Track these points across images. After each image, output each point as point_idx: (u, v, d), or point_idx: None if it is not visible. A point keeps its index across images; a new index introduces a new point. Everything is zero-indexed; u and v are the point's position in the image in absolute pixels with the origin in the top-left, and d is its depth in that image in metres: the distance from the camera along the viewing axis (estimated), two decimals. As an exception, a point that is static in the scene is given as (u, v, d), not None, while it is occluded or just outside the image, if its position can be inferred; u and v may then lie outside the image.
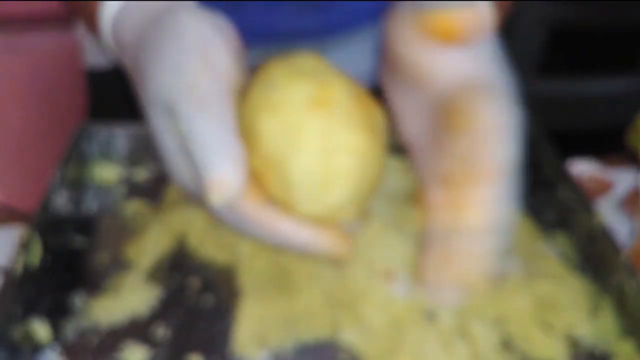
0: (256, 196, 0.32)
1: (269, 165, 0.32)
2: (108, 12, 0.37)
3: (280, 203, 0.32)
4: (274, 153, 0.31)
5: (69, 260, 0.45)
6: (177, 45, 0.32)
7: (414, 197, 0.45)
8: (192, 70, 0.31)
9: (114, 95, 0.66)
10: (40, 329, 0.40)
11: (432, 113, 0.34)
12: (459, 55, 0.33)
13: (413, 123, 0.35)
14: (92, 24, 0.40)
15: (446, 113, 0.33)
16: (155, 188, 0.51)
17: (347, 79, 0.34)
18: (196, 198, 0.33)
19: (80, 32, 0.67)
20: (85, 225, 0.48)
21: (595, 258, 0.44)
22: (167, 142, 0.32)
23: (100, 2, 0.38)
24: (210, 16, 0.34)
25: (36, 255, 0.41)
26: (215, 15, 0.35)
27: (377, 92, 0.36)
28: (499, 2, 0.43)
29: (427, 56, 0.33)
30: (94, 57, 0.67)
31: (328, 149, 0.31)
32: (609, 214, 0.53)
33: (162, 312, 0.42)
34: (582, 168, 0.57)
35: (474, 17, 0.32)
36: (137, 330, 0.41)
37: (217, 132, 0.30)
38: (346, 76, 0.34)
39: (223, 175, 0.29)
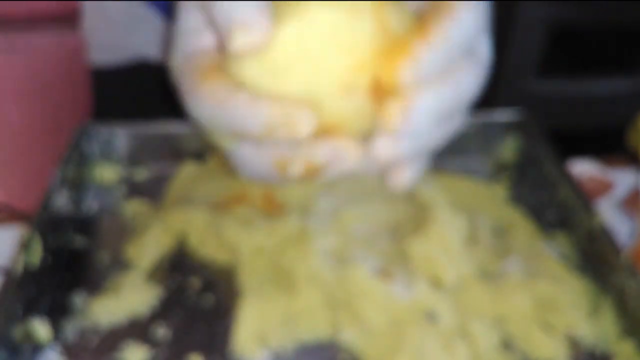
0: (220, 75, 0.31)
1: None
2: None
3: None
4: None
5: (69, 260, 0.45)
6: None
7: None
8: None
9: (118, 94, 0.66)
10: (41, 329, 0.40)
11: None
12: None
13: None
14: None
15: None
16: (155, 188, 0.51)
17: None
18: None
19: (83, 31, 0.67)
20: (85, 225, 0.48)
21: (595, 258, 0.44)
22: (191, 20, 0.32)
23: None
24: None
25: (36, 255, 0.41)
26: None
27: None
28: None
29: None
30: (98, 57, 0.67)
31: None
32: (609, 214, 0.53)
33: (162, 312, 0.42)
34: (583, 168, 0.57)
35: None
36: (137, 330, 0.41)
37: None
38: None
39: (249, 18, 0.28)
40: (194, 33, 0.32)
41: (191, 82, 0.31)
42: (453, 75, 0.32)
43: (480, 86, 0.34)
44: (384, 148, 0.30)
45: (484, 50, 0.35)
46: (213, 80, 0.30)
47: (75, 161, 0.49)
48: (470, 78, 0.33)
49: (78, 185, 0.49)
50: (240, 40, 0.28)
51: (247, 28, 0.28)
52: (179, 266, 0.45)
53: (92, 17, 0.65)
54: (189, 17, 0.33)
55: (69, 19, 0.95)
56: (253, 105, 0.29)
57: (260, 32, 0.28)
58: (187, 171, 0.51)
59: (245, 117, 0.30)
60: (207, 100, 0.30)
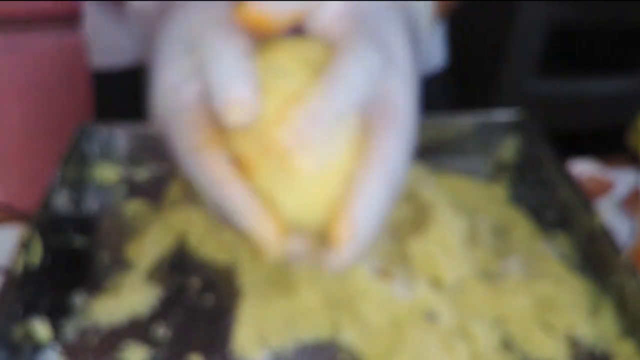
0: (221, 151, 0.31)
1: (260, 154, 0.31)
2: None
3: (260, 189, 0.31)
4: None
5: (69, 260, 0.45)
6: None
7: None
8: (219, 8, 0.32)
9: (119, 97, 0.66)
10: (41, 329, 0.40)
11: None
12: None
13: None
14: None
15: None
16: (155, 188, 0.51)
17: None
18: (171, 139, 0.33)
19: (85, 33, 0.67)
20: (85, 225, 0.48)
21: (595, 258, 0.44)
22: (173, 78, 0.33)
23: None
24: None
25: (36, 255, 0.41)
26: None
27: None
28: None
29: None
30: (100, 59, 0.67)
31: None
32: (609, 214, 0.53)
33: (162, 312, 0.42)
34: (583, 168, 0.57)
35: (265, 9, 0.31)
36: (137, 330, 0.41)
37: (238, 59, 0.30)
38: None
39: (242, 95, 0.30)
40: (177, 88, 0.33)
41: (184, 149, 0.32)
42: (379, 154, 0.31)
43: (408, 150, 0.32)
44: (338, 262, 0.31)
45: (400, 99, 0.32)
46: (207, 155, 0.31)
47: (75, 161, 0.49)
48: (396, 148, 0.32)
49: (78, 185, 0.49)
50: (235, 117, 0.30)
51: (242, 106, 0.30)
52: (179, 266, 0.45)
53: (94, 20, 0.65)
54: (172, 73, 0.33)
55: (70, 20, 0.96)
56: (235, 204, 0.31)
57: (252, 110, 0.30)
58: (187, 171, 0.51)
59: (227, 207, 0.31)
60: (198, 175, 0.32)
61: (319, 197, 0.31)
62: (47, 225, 0.43)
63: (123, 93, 0.66)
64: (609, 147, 0.62)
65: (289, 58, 0.32)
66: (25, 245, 0.40)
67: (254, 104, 0.30)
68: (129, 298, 0.43)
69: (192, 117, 0.32)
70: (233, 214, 0.31)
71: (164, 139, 0.34)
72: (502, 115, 0.54)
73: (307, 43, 0.33)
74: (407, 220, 0.46)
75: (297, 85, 0.31)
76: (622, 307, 0.41)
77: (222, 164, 0.31)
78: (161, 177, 0.52)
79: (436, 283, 0.43)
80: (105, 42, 0.66)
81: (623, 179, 0.56)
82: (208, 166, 0.31)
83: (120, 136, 0.52)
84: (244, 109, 0.30)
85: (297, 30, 0.34)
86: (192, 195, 0.49)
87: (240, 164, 0.31)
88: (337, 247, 0.30)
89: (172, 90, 0.33)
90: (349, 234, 0.30)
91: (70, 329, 0.41)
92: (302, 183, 0.31)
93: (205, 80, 0.31)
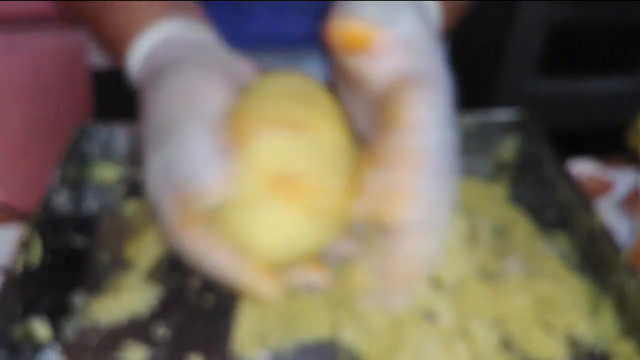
0: (198, 224, 0.32)
1: (225, 220, 0.32)
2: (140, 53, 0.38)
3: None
4: (230, 217, 0.32)
5: (69, 260, 0.45)
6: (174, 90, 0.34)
7: None
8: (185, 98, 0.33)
9: (120, 97, 0.66)
10: (41, 329, 0.40)
11: (373, 111, 0.34)
12: (391, 56, 0.32)
13: (360, 121, 0.35)
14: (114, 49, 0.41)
15: (380, 108, 0.33)
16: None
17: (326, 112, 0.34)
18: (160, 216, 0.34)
19: (85, 33, 0.67)
20: (85, 225, 0.48)
21: (595, 258, 0.44)
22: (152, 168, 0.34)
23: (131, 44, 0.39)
24: (214, 65, 0.35)
25: (36, 255, 0.41)
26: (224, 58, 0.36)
27: None
28: (451, 3, 0.43)
29: (358, 61, 0.33)
30: (101, 59, 0.67)
31: (286, 233, 0.31)
32: (609, 214, 0.53)
33: (162, 312, 0.42)
34: (583, 168, 0.57)
35: (362, 24, 0.32)
36: (137, 330, 0.41)
37: (205, 145, 0.31)
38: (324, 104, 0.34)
39: (210, 181, 0.30)
40: (158, 176, 0.34)
41: (169, 230, 0.33)
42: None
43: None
44: (395, 307, 0.32)
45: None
46: (188, 232, 0.32)
47: (75, 161, 0.49)
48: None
49: (78, 186, 0.49)
50: (202, 203, 0.30)
51: (208, 192, 0.30)
52: (179, 266, 0.45)
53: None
54: (153, 162, 0.35)
55: (70, 20, 0.95)
56: (225, 273, 0.32)
57: (221, 190, 0.30)
58: (187, 171, 0.51)
59: (221, 274, 0.32)
60: (186, 251, 0.33)
61: (303, 238, 0.32)
62: (47, 225, 0.43)
63: (123, 93, 0.66)
64: (609, 147, 0.62)
65: (282, 87, 0.34)
66: (25, 245, 0.40)
67: (221, 188, 0.30)
68: (129, 298, 0.43)
69: (172, 201, 0.32)
70: (228, 280, 0.32)
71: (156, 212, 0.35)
72: (502, 115, 0.54)
73: (295, 76, 0.35)
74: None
75: (293, 112, 0.32)
76: (622, 307, 0.41)
77: (204, 238, 0.32)
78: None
79: (436, 283, 0.43)
80: None
81: (623, 179, 0.56)
82: (192, 242, 0.32)
83: (120, 136, 0.52)
84: (213, 195, 0.30)
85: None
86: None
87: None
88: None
89: (154, 178, 0.34)
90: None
91: (70, 329, 0.41)
92: (288, 226, 0.32)
93: (174, 169, 0.32)
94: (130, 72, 0.39)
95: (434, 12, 0.39)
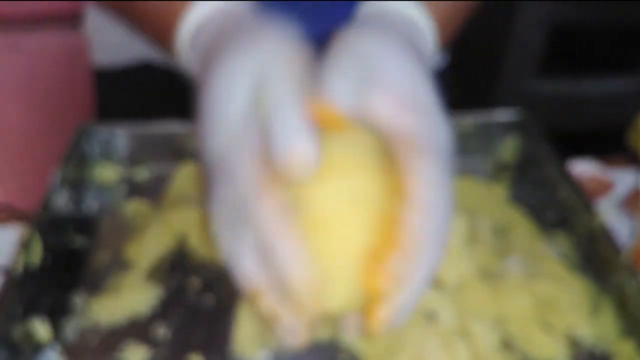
0: (278, 188, 0.31)
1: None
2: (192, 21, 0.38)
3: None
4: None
5: (69, 260, 0.45)
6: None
7: None
8: (285, 59, 0.33)
9: (121, 96, 0.66)
10: (41, 329, 0.40)
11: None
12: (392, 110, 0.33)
13: None
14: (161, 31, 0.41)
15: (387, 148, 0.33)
16: (155, 188, 0.51)
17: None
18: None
19: (87, 31, 0.66)
20: (85, 225, 0.48)
21: (595, 258, 0.44)
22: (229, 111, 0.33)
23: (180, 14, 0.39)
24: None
25: (36, 255, 0.41)
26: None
27: None
28: (447, 14, 0.44)
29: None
30: (102, 58, 0.67)
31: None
32: (609, 214, 0.53)
33: (162, 312, 0.42)
34: (583, 168, 0.57)
35: (334, 109, 0.33)
36: (137, 330, 0.41)
37: (299, 116, 0.31)
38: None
39: (304, 148, 0.30)
40: (239, 121, 0.33)
41: (245, 188, 0.31)
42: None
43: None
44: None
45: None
46: (271, 193, 0.31)
47: (75, 161, 0.49)
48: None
49: (78, 185, 0.49)
50: (296, 170, 0.30)
51: (303, 161, 0.30)
52: (178, 266, 0.45)
53: (96, 18, 0.65)
54: (234, 104, 0.33)
55: (72, 19, 0.96)
56: (286, 266, 0.31)
57: (313, 162, 0.30)
58: (187, 171, 0.51)
59: (276, 264, 0.31)
60: (254, 218, 0.31)
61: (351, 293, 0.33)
62: (47, 225, 0.43)
63: (124, 92, 0.66)
64: (609, 147, 0.62)
65: (344, 156, 0.33)
66: (25, 245, 0.40)
67: (314, 158, 0.30)
68: (129, 298, 0.43)
69: (251, 156, 0.32)
70: (281, 274, 0.31)
71: (210, 167, 0.34)
72: (502, 115, 0.54)
73: (359, 137, 0.34)
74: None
75: (355, 188, 0.32)
76: (622, 307, 0.41)
77: (281, 210, 0.31)
78: (161, 177, 0.52)
79: (436, 283, 0.43)
80: (107, 40, 0.66)
81: (623, 179, 0.56)
82: (266, 209, 0.31)
83: (120, 136, 0.52)
84: (305, 163, 0.30)
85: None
86: (192, 192, 0.50)
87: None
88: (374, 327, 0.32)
89: (225, 130, 0.33)
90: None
91: (70, 329, 0.41)
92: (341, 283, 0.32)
93: (266, 129, 0.31)
94: (180, 53, 0.39)
95: (428, 31, 0.39)
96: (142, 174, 0.52)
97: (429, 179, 0.32)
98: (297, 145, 0.30)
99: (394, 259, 0.31)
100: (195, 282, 0.44)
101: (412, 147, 0.32)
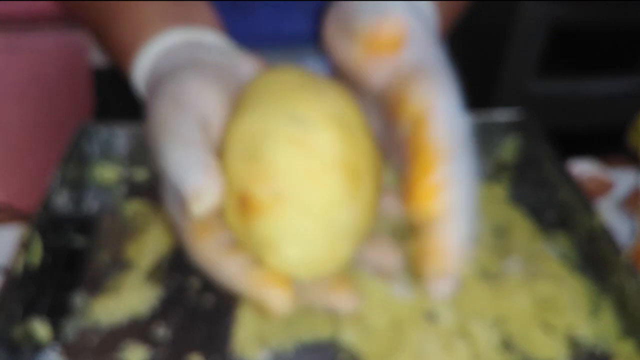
0: (209, 233, 0.32)
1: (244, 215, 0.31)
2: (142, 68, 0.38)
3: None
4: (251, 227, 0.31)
5: (69, 260, 0.45)
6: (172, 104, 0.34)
7: None
8: (167, 111, 0.33)
9: (121, 96, 0.66)
10: (41, 329, 0.40)
11: (377, 108, 0.34)
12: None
13: (372, 124, 0.35)
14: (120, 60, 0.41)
15: (387, 105, 0.33)
16: (155, 188, 0.51)
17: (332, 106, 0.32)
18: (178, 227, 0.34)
19: (87, 32, 0.67)
20: (85, 225, 0.48)
21: (595, 258, 0.44)
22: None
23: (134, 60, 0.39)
24: (213, 70, 0.35)
25: (36, 255, 0.41)
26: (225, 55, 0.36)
27: None
28: (445, 2, 0.43)
29: (362, 61, 0.33)
30: (101, 57, 0.67)
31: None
32: (609, 214, 0.53)
33: (162, 312, 0.42)
34: (583, 168, 0.57)
35: (396, 24, 0.32)
36: (137, 330, 0.41)
37: (189, 154, 0.30)
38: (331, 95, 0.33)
39: (199, 185, 0.29)
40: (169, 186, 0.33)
41: (187, 239, 0.32)
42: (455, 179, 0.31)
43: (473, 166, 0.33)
44: (442, 293, 0.31)
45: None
46: (202, 240, 0.32)
47: (75, 161, 0.49)
48: (466, 170, 0.32)
49: (78, 185, 0.49)
50: (197, 209, 0.29)
51: (200, 197, 0.29)
52: (178, 266, 0.45)
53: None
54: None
55: (70, 20, 0.96)
56: (235, 281, 0.31)
57: (213, 194, 0.29)
58: (187, 171, 0.51)
59: (231, 285, 0.32)
60: (199, 263, 0.32)
61: (324, 253, 0.31)
62: (47, 225, 0.43)
63: (124, 92, 0.66)
64: (609, 147, 0.62)
65: (314, 109, 0.31)
66: (25, 245, 0.40)
67: (215, 191, 0.29)
68: (129, 298, 0.43)
69: (180, 212, 0.32)
70: (238, 291, 0.32)
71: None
72: (502, 115, 0.54)
73: (329, 92, 0.33)
74: (407, 220, 0.46)
75: (327, 142, 0.30)
76: (622, 307, 0.41)
77: (215, 247, 0.32)
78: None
79: (436, 283, 0.43)
80: None
81: (623, 179, 0.56)
82: (203, 253, 0.32)
83: (120, 136, 0.52)
84: (206, 199, 0.29)
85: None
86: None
87: (247, 205, 0.30)
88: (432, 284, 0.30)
89: (167, 191, 0.34)
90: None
91: (70, 329, 0.41)
92: (309, 240, 0.30)
93: (167, 175, 0.31)
94: (137, 86, 0.39)
95: (428, 11, 0.39)
96: (142, 174, 0.52)
97: (445, 92, 0.31)
98: (194, 182, 0.29)
99: (429, 172, 0.30)
100: (195, 282, 0.44)
101: (422, 72, 0.31)
